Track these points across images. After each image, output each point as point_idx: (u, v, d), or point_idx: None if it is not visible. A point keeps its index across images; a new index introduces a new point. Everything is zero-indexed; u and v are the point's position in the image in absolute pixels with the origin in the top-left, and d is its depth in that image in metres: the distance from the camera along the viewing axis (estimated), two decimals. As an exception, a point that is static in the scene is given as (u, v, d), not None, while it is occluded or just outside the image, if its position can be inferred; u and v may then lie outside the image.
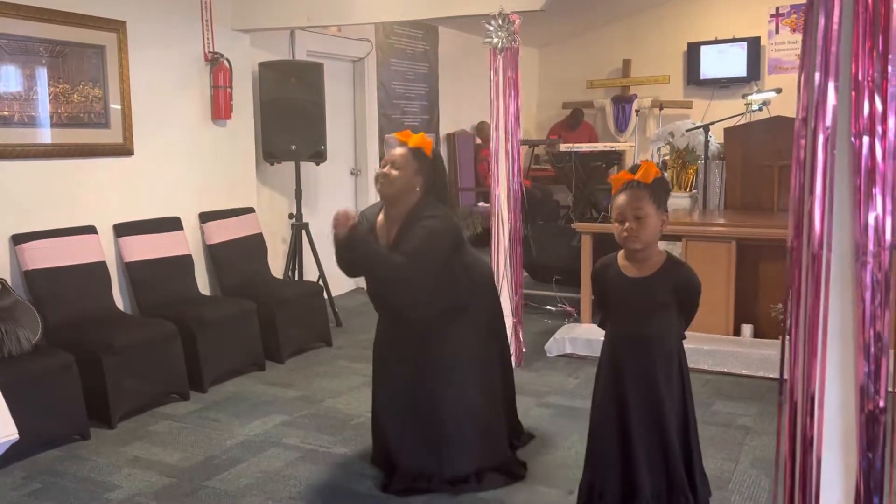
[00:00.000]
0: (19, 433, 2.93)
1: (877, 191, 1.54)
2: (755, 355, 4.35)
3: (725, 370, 4.39)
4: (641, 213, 2.34)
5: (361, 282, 6.91)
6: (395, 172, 2.98)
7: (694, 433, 2.47)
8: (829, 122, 1.56)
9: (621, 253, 2.47)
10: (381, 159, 7.47)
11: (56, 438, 3.49)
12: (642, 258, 2.40)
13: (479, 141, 8.25)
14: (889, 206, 1.55)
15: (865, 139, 1.54)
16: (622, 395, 2.42)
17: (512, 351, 4.53)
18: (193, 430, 3.69)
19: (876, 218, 1.55)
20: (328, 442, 3.52)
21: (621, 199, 2.37)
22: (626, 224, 2.34)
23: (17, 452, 3.22)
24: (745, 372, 4.35)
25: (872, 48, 1.51)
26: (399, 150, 3.02)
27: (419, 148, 3.03)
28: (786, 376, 1.71)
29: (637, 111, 8.63)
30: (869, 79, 1.52)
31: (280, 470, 3.23)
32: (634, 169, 2.41)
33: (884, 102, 1.51)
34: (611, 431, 2.44)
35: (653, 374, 2.39)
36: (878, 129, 1.53)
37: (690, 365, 4.39)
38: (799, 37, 8.40)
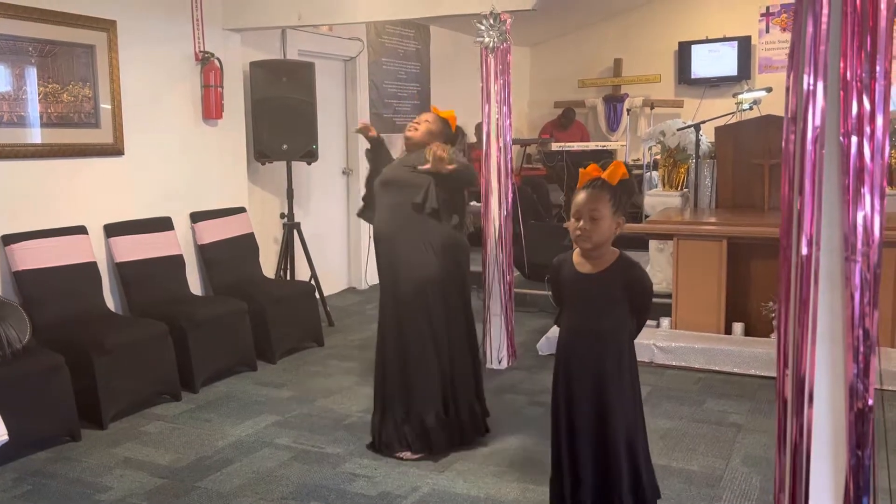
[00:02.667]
0: (9, 435, 2.92)
1: (865, 190, 1.55)
2: (746, 353, 4.36)
3: (717, 368, 4.40)
4: (597, 214, 2.37)
5: (354, 281, 6.92)
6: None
7: (641, 433, 2.49)
8: (817, 121, 1.57)
9: (576, 251, 2.51)
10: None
11: (46, 440, 3.47)
12: (595, 256, 2.45)
13: (474, 140, 8.23)
14: (877, 205, 1.56)
15: (854, 138, 1.54)
16: (571, 389, 2.46)
17: (504, 350, 4.54)
18: (185, 430, 3.68)
19: (864, 216, 1.56)
20: (320, 442, 3.51)
21: (581, 196, 2.41)
22: (581, 223, 2.38)
23: (7, 454, 3.21)
24: (736, 370, 4.37)
25: (861, 47, 1.52)
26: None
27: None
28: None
29: (628, 110, 8.64)
30: (857, 78, 1.52)
31: (272, 470, 3.23)
32: (605, 166, 2.44)
33: (871, 102, 1.52)
34: (562, 426, 2.48)
35: (601, 369, 2.43)
36: (867, 128, 1.53)
37: (682, 363, 4.46)
38: (789, 36, 8.43)
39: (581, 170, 2.48)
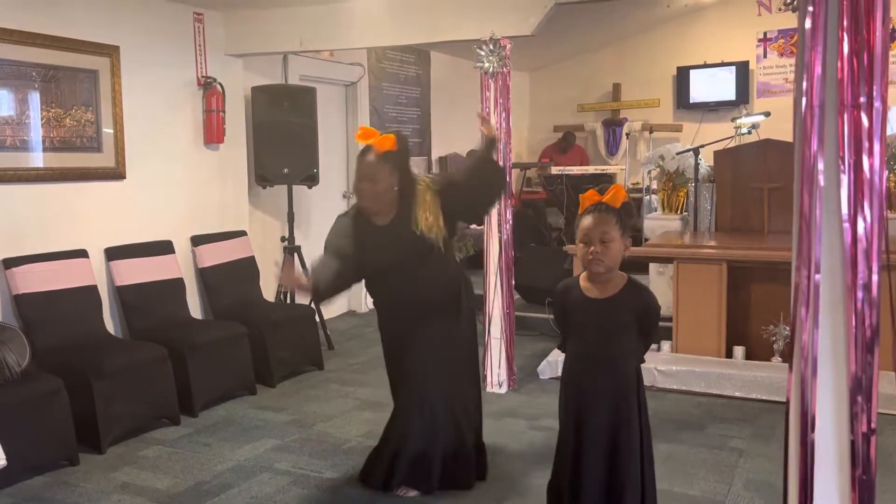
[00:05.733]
0: (7, 459, 2.91)
1: (866, 212, 1.56)
2: (747, 377, 4.35)
3: (718, 392, 4.38)
4: (607, 237, 2.38)
5: (354, 304, 6.90)
6: (376, 188, 3.06)
7: (648, 457, 2.48)
8: (815, 144, 1.58)
9: (583, 275, 2.51)
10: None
11: (44, 464, 3.45)
12: (604, 280, 2.45)
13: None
14: (879, 229, 1.56)
15: (851, 161, 1.55)
16: (580, 414, 2.45)
17: (504, 374, 4.53)
18: (184, 455, 3.66)
19: (864, 239, 1.57)
20: (319, 467, 3.49)
21: (588, 221, 2.41)
22: (592, 248, 2.38)
23: (4, 478, 3.18)
24: (737, 394, 4.35)
25: (858, 71, 1.53)
26: (371, 159, 3.06)
27: (387, 151, 3.06)
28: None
29: (627, 134, 8.68)
30: (855, 102, 1.54)
31: (271, 495, 3.20)
32: (603, 190, 2.45)
33: (870, 125, 1.53)
34: (570, 449, 2.47)
35: (611, 395, 2.42)
36: (865, 151, 1.54)
37: (683, 387, 4.44)
38: (787, 61, 8.52)
39: (581, 196, 2.48)
